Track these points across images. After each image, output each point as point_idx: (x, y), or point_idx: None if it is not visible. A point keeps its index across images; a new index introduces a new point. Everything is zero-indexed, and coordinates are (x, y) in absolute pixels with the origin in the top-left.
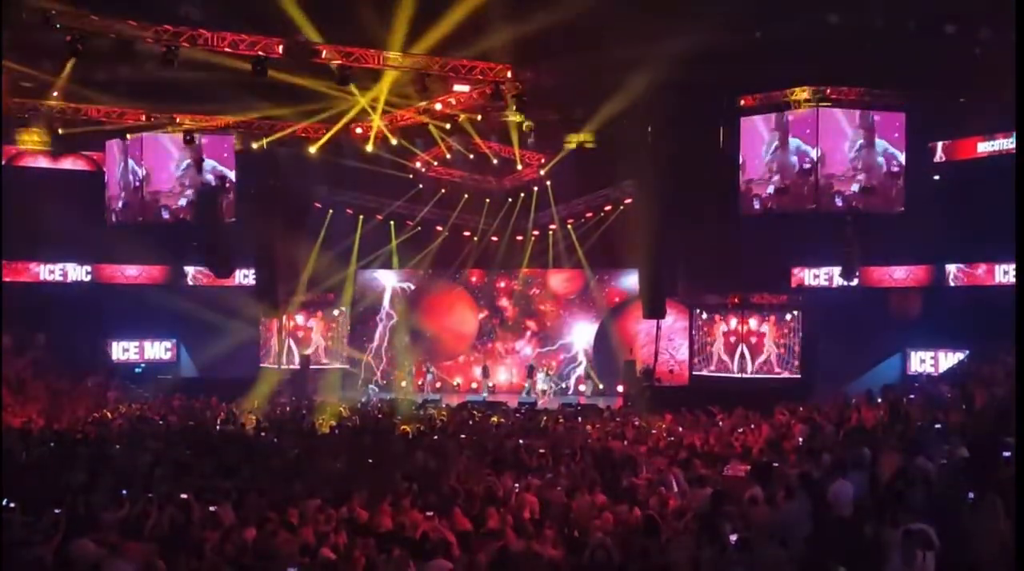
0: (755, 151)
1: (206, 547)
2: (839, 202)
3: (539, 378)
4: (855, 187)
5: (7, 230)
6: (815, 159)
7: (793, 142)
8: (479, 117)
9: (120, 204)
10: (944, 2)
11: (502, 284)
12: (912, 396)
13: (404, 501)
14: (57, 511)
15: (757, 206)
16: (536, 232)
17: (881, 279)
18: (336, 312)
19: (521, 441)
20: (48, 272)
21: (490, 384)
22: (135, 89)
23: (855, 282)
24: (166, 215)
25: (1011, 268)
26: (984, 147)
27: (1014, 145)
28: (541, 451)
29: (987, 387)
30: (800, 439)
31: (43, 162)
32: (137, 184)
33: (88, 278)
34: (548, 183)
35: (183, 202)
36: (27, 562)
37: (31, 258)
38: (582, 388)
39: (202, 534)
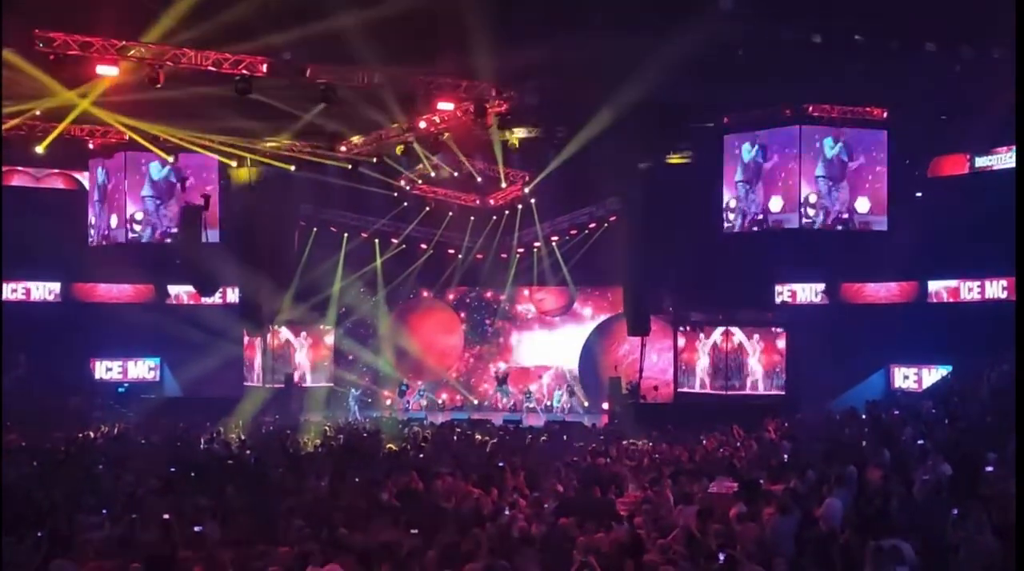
0: (738, 169)
1: (190, 567)
2: (821, 220)
3: (527, 395)
4: (837, 205)
5: None
6: (798, 177)
7: (776, 160)
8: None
9: (103, 223)
10: (925, 20)
11: (487, 302)
12: (896, 412)
13: (389, 519)
14: (39, 532)
15: (740, 224)
16: (521, 249)
17: (864, 295)
18: (320, 330)
19: (501, 463)
20: (29, 291)
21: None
22: (119, 107)
23: (838, 299)
24: (149, 234)
25: (995, 283)
26: (971, 164)
27: (996, 162)
28: (526, 468)
29: (970, 404)
30: (785, 456)
31: (25, 181)
32: (120, 203)
33: (71, 297)
34: (532, 201)
35: (166, 221)
36: None
37: (13, 277)
38: (565, 404)
39: (186, 554)
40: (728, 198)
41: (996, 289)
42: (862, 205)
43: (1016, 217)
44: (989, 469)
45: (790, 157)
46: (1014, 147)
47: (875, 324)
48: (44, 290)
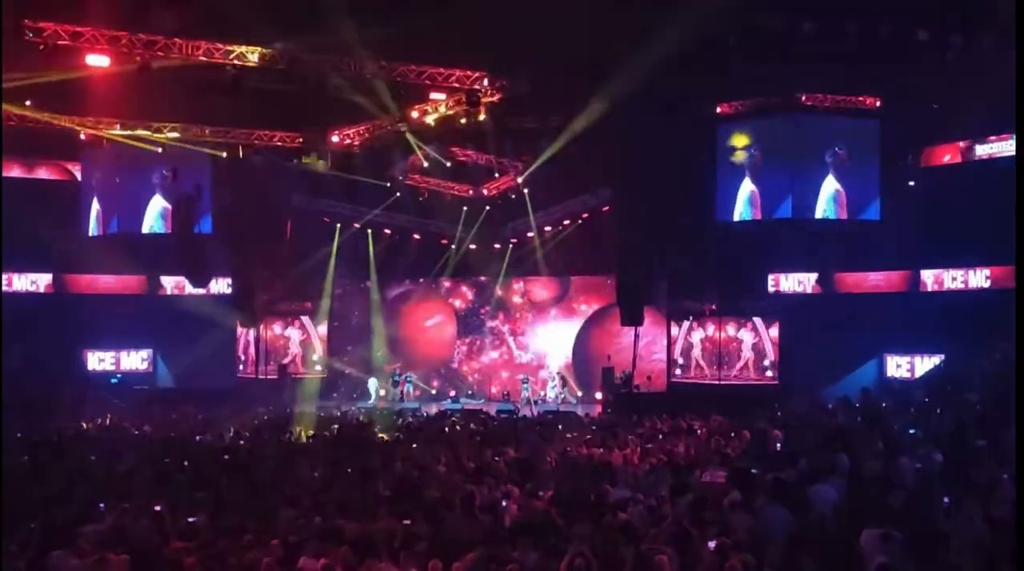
0: (731, 158)
1: (183, 558)
2: (815, 209)
3: (522, 388)
4: (830, 194)
5: None
6: (791, 166)
7: (769, 149)
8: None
9: (96, 214)
10: (918, 9)
11: (480, 292)
12: (886, 403)
13: (382, 510)
14: (32, 524)
15: (734, 213)
16: (514, 240)
17: (857, 285)
18: (313, 321)
19: (495, 454)
20: (22, 283)
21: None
22: (111, 98)
23: (831, 288)
24: (142, 225)
25: (979, 272)
26: (964, 153)
27: (989, 151)
28: (520, 459)
29: (962, 392)
30: (778, 445)
31: (18, 172)
32: (113, 194)
33: (63, 289)
34: (526, 191)
35: (159, 212)
36: None
37: (5, 269)
38: (559, 394)
39: (178, 545)
40: (722, 186)
41: (979, 278)
42: (855, 194)
43: (1016, 205)
44: (981, 443)
45: (784, 146)
46: (1012, 135)
47: (868, 313)
48: (34, 281)
